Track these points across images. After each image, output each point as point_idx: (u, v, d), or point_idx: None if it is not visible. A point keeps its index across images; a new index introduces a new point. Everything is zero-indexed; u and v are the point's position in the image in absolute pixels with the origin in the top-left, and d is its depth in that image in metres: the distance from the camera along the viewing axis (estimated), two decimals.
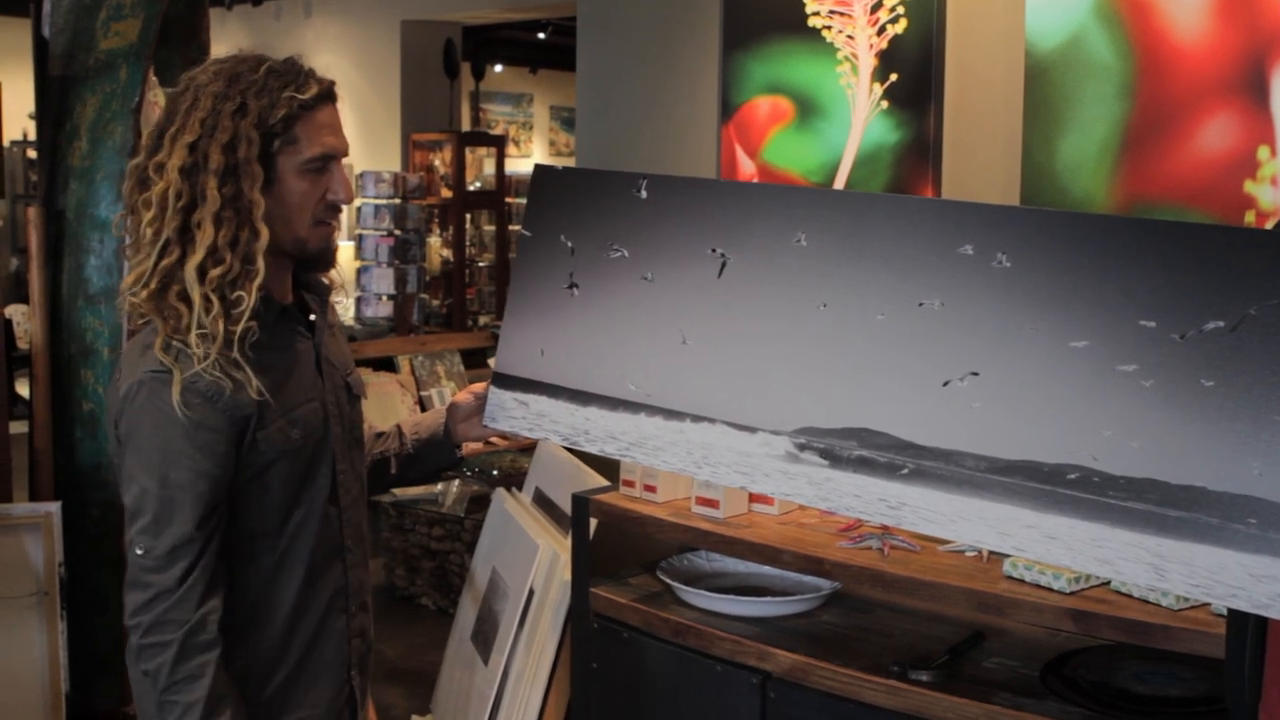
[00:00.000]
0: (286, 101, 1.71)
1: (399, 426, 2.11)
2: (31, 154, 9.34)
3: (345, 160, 1.82)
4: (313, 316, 1.87)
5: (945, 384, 1.62)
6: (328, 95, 1.77)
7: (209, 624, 1.68)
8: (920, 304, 1.65)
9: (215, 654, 1.68)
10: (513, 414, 2.01)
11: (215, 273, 1.67)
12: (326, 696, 1.84)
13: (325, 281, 1.91)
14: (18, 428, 4.00)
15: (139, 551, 1.67)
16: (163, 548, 1.66)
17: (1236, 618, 1.48)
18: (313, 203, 1.76)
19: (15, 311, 7.36)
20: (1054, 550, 1.50)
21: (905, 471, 1.62)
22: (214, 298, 1.67)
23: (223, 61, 1.76)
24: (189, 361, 1.67)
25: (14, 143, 9.82)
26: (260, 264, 1.70)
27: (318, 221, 1.78)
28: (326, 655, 1.84)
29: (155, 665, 1.66)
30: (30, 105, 4.16)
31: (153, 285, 1.69)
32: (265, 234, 1.70)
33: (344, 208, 1.83)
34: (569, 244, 1.99)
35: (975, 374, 1.59)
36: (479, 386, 2.09)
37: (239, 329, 1.68)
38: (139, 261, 1.71)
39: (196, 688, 1.66)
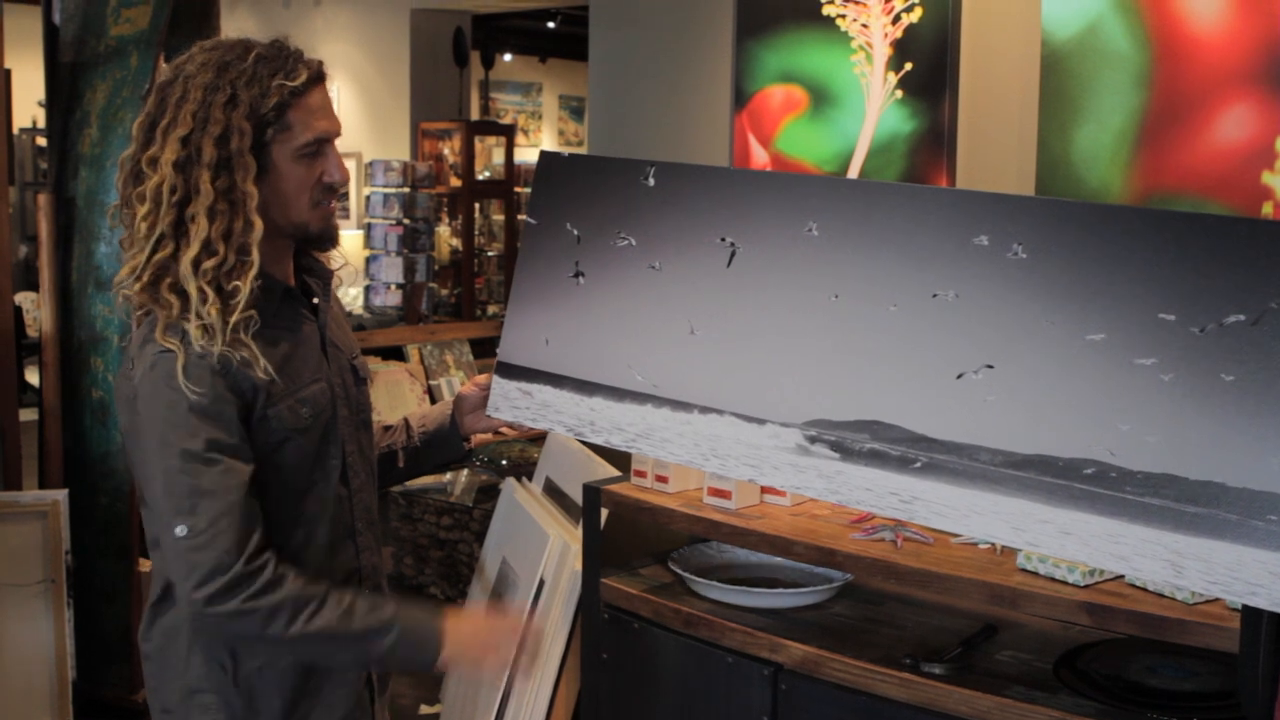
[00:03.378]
0: (278, 90, 1.70)
1: (406, 420, 2.10)
2: (41, 141, 9.34)
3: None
4: (316, 300, 1.87)
5: (959, 377, 1.60)
6: (318, 78, 1.76)
7: (266, 568, 1.65)
8: (934, 295, 1.63)
9: (285, 584, 1.66)
10: (517, 404, 2.00)
11: (209, 264, 1.67)
12: (347, 680, 1.84)
13: (328, 266, 1.91)
14: (27, 415, 4.00)
15: (180, 533, 1.65)
16: (203, 522, 1.64)
17: (1250, 612, 1.46)
18: (309, 186, 1.76)
19: (25, 299, 7.39)
20: (1069, 546, 1.48)
21: (918, 465, 1.61)
22: (209, 290, 1.67)
23: (210, 49, 1.74)
24: (192, 343, 1.67)
25: (23, 130, 9.83)
26: (255, 255, 1.69)
27: (316, 204, 1.78)
28: None
29: (244, 628, 1.66)
30: (40, 92, 4.15)
31: (145, 278, 1.70)
32: (259, 224, 1.69)
33: (340, 187, 1.82)
34: (575, 232, 1.97)
35: (990, 367, 1.57)
36: (484, 378, 2.07)
37: (236, 319, 1.67)
38: (133, 255, 1.72)
39: (280, 615, 1.64)
